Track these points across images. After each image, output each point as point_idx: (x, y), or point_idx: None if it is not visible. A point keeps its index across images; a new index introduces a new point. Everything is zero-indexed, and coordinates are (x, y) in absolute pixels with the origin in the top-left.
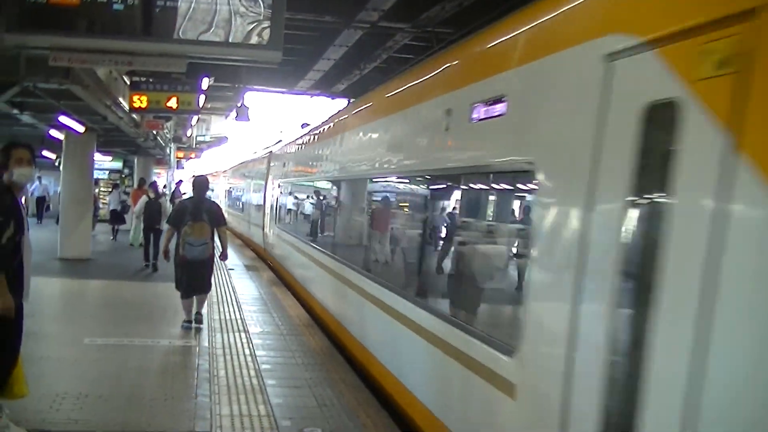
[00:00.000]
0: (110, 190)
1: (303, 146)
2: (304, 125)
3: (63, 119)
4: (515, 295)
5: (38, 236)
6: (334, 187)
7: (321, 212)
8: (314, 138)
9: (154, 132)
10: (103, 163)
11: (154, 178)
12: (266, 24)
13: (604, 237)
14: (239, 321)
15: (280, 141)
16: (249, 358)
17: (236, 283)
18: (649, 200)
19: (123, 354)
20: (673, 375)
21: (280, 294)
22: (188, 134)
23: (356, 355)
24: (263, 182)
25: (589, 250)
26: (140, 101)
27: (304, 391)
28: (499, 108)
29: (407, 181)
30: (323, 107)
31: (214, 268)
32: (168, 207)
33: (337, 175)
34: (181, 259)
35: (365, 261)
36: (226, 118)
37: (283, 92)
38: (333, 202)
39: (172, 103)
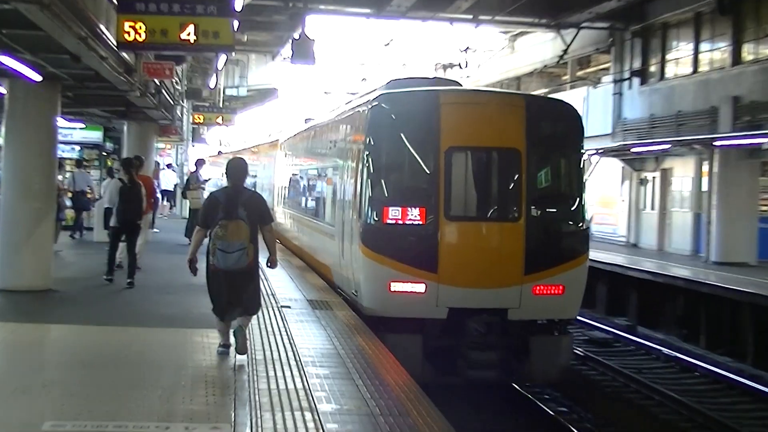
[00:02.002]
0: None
1: (285, 152)
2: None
3: (6, 60)
4: (335, 211)
5: None
6: (297, 175)
7: (293, 187)
8: (288, 148)
9: (157, 82)
10: (71, 133)
11: (157, 157)
12: None
13: (338, 188)
14: (301, 392)
15: (286, 138)
16: None
17: (295, 329)
18: (332, 173)
19: None
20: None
21: (370, 348)
22: (212, 86)
23: (294, 245)
24: (272, 170)
25: (341, 193)
26: (136, 31)
27: None
28: (337, 145)
29: (317, 170)
30: (429, 47)
31: (260, 283)
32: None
33: (295, 170)
34: (212, 270)
35: (300, 207)
36: (274, 58)
37: (367, 16)
38: (297, 183)
39: (188, 33)
